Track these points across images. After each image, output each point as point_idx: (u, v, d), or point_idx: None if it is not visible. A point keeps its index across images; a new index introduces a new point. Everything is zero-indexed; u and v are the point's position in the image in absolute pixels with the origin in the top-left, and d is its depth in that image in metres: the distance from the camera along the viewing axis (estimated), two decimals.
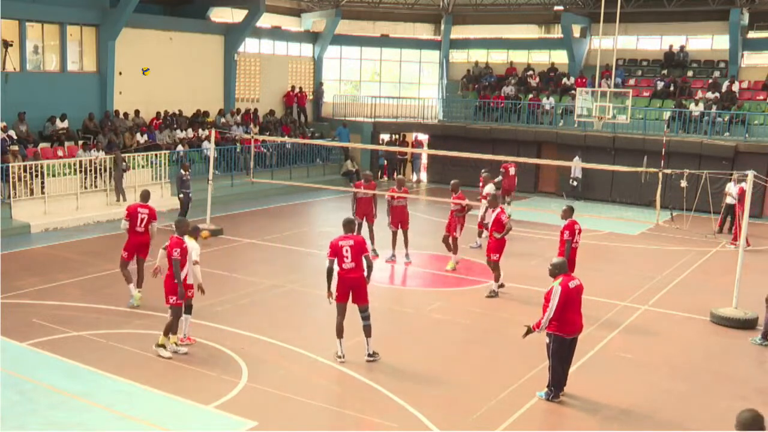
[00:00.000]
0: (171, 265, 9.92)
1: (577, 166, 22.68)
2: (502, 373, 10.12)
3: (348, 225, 10.26)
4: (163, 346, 9.89)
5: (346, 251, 9.84)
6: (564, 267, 9.09)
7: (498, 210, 13.77)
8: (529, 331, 9.16)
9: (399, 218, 15.80)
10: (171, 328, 9.96)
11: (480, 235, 17.61)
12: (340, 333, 10.07)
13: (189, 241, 10.51)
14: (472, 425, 8.56)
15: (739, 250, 12.79)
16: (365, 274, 9.98)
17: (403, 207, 15.86)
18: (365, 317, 10.00)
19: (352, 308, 10.11)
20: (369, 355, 10.07)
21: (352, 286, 9.90)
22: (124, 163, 19.53)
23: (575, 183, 24.99)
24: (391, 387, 9.37)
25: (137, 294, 12.06)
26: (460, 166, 23.22)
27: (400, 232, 15.94)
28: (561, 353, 9.00)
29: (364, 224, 16.07)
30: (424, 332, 11.89)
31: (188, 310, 10.44)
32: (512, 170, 20.91)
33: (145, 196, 12.57)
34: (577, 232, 12.67)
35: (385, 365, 9.89)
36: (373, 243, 15.81)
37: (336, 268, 9.97)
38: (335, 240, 9.98)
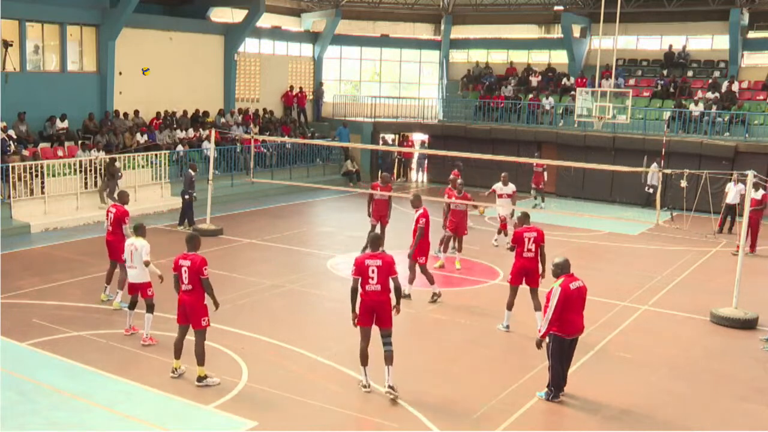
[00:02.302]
0: (202, 286, 9.17)
1: (654, 172, 21.71)
2: (502, 373, 10.12)
3: (375, 241, 9.30)
4: (205, 376, 9.27)
5: (373, 271, 8.92)
6: (566, 267, 8.98)
7: (420, 211, 12.99)
8: (540, 342, 9.07)
9: (457, 223, 15.26)
10: (204, 354, 9.30)
11: (499, 233, 17.82)
12: (364, 360, 9.16)
13: (137, 240, 10.58)
14: (472, 425, 8.56)
15: (740, 251, 12.78)
16: (393, 297, 9.11)
17: (464, 212, 15.42)
18: (387, 342, 9.06)
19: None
20: (390, 387, 9.02)
21: (376, 309, 9.02)
22: (119, 173, 19.37)
23: (651, 190, 23.36)
24: None
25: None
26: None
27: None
28: (560, 353, 8.98)
29: (377, 226, 15.92)
30: (424, 332, 11.90)
31: (150, 309, 10.49)
32: (539, 169, 22.65)
33: (120, 196, 12.76)
34: (527, 240, 11.49)
35: (376, 359, 9.88)
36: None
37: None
38: (361, 258, 9.12)
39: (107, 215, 12.40)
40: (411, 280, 13.18)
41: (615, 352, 11.06)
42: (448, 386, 9.63)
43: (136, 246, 10.63)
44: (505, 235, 17.50)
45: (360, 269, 9.02)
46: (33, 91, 20.77)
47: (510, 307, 11.68)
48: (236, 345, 10.55)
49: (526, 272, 11.55)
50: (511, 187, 17.70)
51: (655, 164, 21.88)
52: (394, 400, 8.98)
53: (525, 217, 11.83)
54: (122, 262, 12.00)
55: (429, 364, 10.44)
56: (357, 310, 9.12)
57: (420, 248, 12.96)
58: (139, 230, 10.82)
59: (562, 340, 8.90)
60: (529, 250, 11.47)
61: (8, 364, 9.54)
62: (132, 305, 10.83)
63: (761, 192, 17.35)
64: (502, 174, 17.92)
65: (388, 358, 9.06)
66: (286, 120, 28.50)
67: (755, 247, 17.88)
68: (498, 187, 17.80)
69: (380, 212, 15.97)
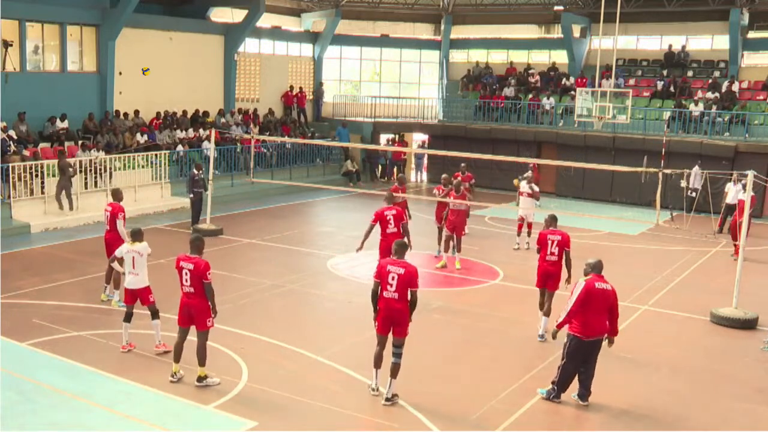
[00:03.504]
0: (204, 290, 9.02)
1: (696, 175, 20.98)
2: (502, 373, 10.12)
3: (401, 248, 9.03)
4: (205, 376, 9.24)
5: (393, 278, 8.69)
6: (597, 267, 8.93)
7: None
8: (555, 333, 9.09)
9: (456, 223, 15.28)
10: (205, 354, 9.28)
11: (519, 234, 17.73)
12: (377, 363, 9.06)
13: (137, 245, 10.26)
14: (472, 425, 8.57)
15: (740, 251, 12.78)
16: (410, 308, 8.89)
17: (463, 212, 15.48)
18: (397, 354, 8.86)
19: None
20: (387, 399, 8.91)
21: (393, 318, 8.81)
22: (70, 169, 18.41)
23: (693, 194, 21.67)
24: None
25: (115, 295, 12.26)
26: (459, 167, 23.24)
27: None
28: (576, 354, 8.85)
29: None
30: (424, 332, 11.88)
31: (155, 315, 10.24)
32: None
33: (115, 194, 12.73)
34: (550, 243, 11.28)
35: (385, 365, 9.86)
36: None
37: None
38: (384, 262, 8.96)
39: (105, 214, 12.39)
40: None
41: (615, 352, 11.01)
42: (448, 386, 9.63)
43: (139, 252, 10.23)
44: (528, 235, 17.41)
45: (381, 273, 8.84)
46: (33, 91, 20.76)
47: (542, 307, 11.58)
48: (236, 345, 10.55)
49: (548, 276, 11.32)
50: (533, 187, 17.73)
51: (697, 167, 21.16)
52: (390, 405, 8.93)
53: (552, 220, 11.54)
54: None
55: (429, 364, 10.43)
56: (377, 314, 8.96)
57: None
58: (137, 235, 10.40)
59: (580, 341, 8.79)
60: (552, 254, 11.23)
61: (8, 364, 9.53)
62: (128, 317, 10.30)
63: (750, 194, 16.75)
64: (527, 173, 18.12)
65: (394, 371, 8.90)
66: (286, 120, 28.50)
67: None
68: (522, 185, 17.92)
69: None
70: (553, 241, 11.24)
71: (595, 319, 8.77)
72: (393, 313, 8.80)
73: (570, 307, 8.74)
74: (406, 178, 18.17)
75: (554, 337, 9.16)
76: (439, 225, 16.25)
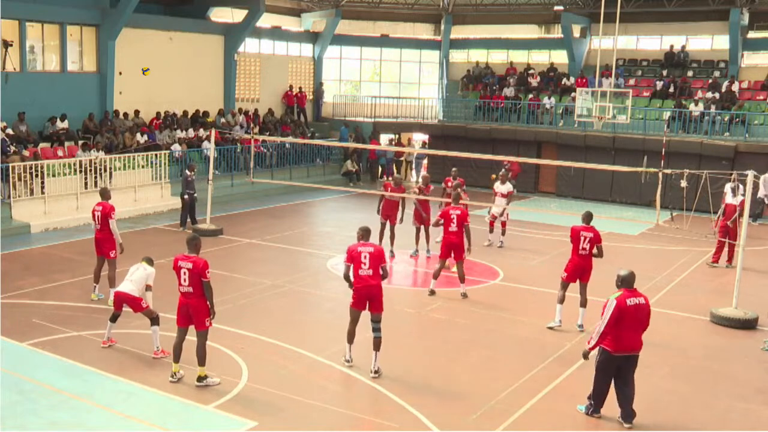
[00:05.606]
0: (204, 289, 9.09)
1: (766, 182, 20.33)
2: (502, 373, 10.12)
3: (365, 233, 9.93)
4: (205, 376, 9.27)
5: (365, 257, 9.61)
6: (628, 281, 8.60)
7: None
8: (587, 354, 8.76)
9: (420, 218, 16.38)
10: (205, 354, 9.33)
11: (491, 231, 18.02)
12: (350, 339, 9.93)
13: (147, 266, 10.31)
14: (472, 425, 8.56)
15: (739, 251, 12.78)
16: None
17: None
18: (376, 329, 9.67)
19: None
20: (374, 372, 9.64)
21: (369, 295, 9.68)
22: None
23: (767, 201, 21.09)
24: (391, 387, 9.37)
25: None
26: (459, 166, 23.29)
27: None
28: (606, 368, 8.57)
29: (387, 225, 16.27)
30: (424, 332, 11.90)
31: (154, 322, 10.16)
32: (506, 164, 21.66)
33: (104, 193, 12.80)
34: (582, 239, 11.71)
35: (385, 365, 9.88)
36: (392, 244, 16.14)
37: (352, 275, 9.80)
38: (353, 246, 9.77)
39: (93, 214, 12.41)
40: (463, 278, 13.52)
41: None
42: (448, 386, 9.63)
43: (147, 270, 10.29)
44: (503, 234, 17.89)
45: (352, 255, 9.70)
46: (33, 91, 20.77)
47: (561, 301, 11.84)
48: (236, 345, 10.55)
49: (582, 270, 11.76)
50: (507, 187, 17.87)
51: None
52: (377, 377, 9.49)
53: (587, 216, 11.96)
54: (110, 258, 12.20)
55: (429, 364, 10.44)
56: (352, 291, 9.75)
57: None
58: (151, 262, 10.53)
59: (609, 355, 8.49)
60: (584, 249, 11.71)
61: (8, 364, 9.54)
62: (114, 318, 10.38)
63: (740, 198, 16.08)
64: (500, 173, 18.35)
65: (377, 345, 9.69)
66: (286, 120, 28.50)
67: (731, 258, 16.43)
68: (496, 185, 18.15)
69: (388, 212, 16.24)
70: (585, 238, 11.72)
71: (627, 335, 8.45)
72: (370, 289, 9.67)
73: (602, 329, 8.42)
74: (402, 178, 18.70)
75: (586, 357, 8.82)
76: (417, 225, 16.57)
